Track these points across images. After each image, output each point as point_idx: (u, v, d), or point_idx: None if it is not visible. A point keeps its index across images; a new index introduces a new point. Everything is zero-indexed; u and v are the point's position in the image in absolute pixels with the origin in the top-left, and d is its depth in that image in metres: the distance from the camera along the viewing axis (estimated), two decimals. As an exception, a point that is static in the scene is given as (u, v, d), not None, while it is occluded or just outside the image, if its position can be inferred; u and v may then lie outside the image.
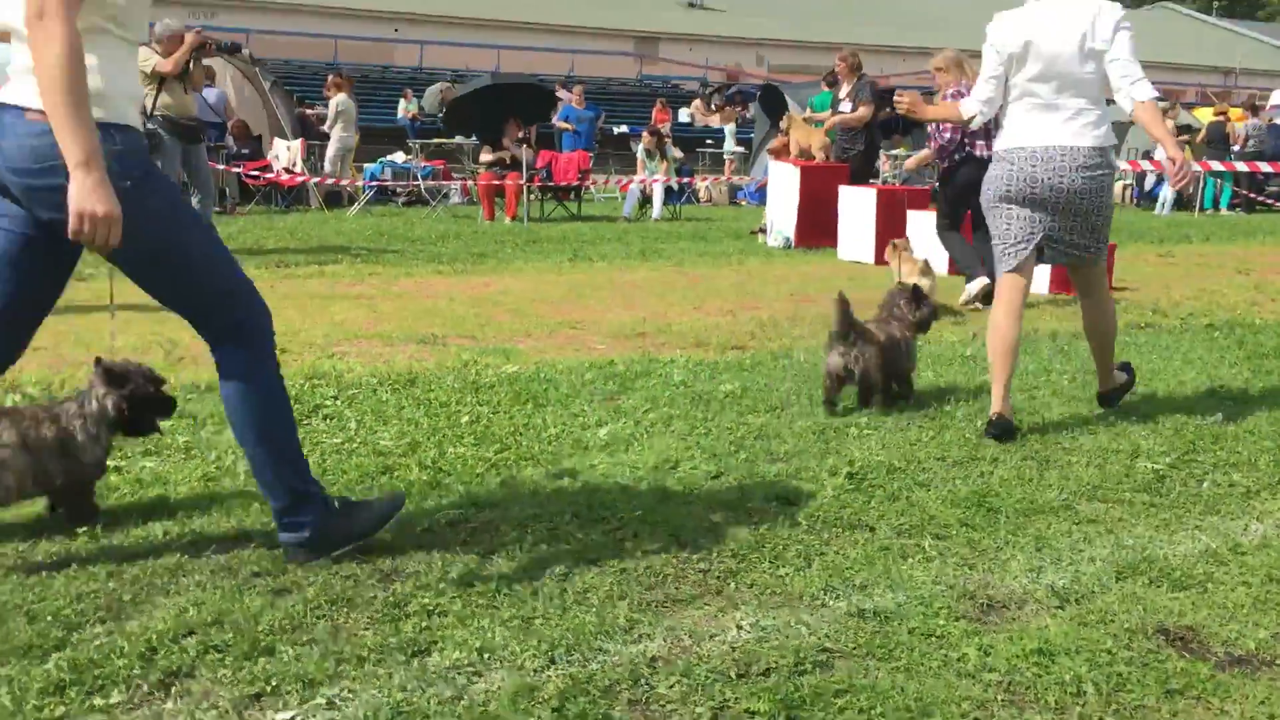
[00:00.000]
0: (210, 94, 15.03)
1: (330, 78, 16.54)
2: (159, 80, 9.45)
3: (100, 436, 3.14)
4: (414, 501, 3.46)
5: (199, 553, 3.02)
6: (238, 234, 11.47)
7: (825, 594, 2.88)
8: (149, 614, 2.63)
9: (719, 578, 2.98)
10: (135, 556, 2.98)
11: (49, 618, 2.59)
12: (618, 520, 3.36)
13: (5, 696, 2.24)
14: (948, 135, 7.74)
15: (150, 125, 9.46)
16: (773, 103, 18.08)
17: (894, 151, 18.17)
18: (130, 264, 2.72)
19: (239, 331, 2.85)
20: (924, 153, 8.64)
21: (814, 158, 11.88)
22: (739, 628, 2.67)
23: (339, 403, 4.70)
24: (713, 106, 27.92)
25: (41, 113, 2.46)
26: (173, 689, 2.32)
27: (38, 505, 3.26)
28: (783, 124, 12.98)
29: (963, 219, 8.01)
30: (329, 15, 33.07)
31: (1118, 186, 18.70)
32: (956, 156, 7.75)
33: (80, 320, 6.35)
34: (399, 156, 17.99)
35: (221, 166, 14.38)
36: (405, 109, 24.92)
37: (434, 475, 3.74)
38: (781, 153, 12.58)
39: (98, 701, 2.25)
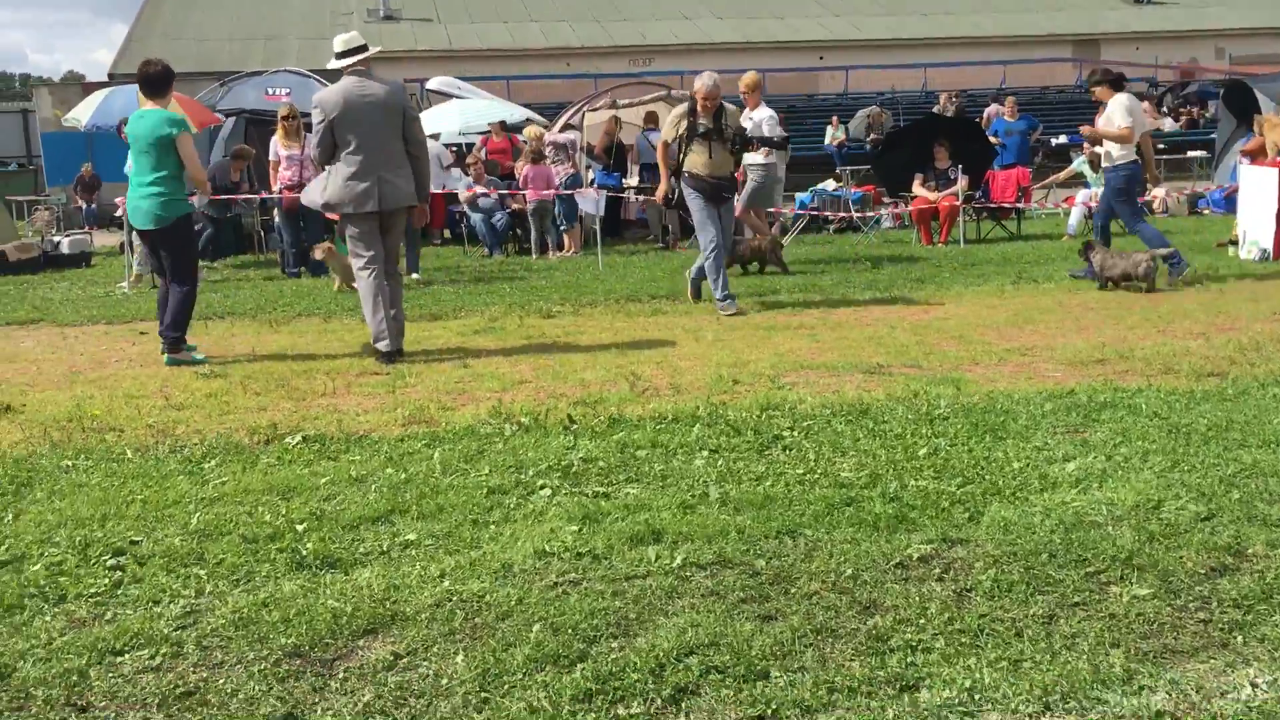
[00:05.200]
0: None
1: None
2: None
3: None
4: (882, 535, 3.51)
5: (687, 577, 3.24)
6: (680, 268, 12.11)
7: (1356, 656, 2.59)
8: (652, 632, 2.87)
9: (1223, 629, 2.77)
10: (632, 578, 3.25)
11: (569, 631, 2.90)
12: (1099, 562, 3.21)
13: (544, 699, 2.53)
14: None
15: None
16: (1239, 100, 16.42)
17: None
18: None
19: None
20: None
21: (1294, 159, 10.68)
22: (1254, 685, 2.48)
23: (796, 434, 4.84)
24: (1164, 109, 25.90)
25: None
26: (682, 704, 2.51)
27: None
28: (1255, 124, 11.79)
29: None
30: (749, 50, 34.22)
31: None
32: None
33: (558, 355, 7.02)
34: (829, 184, 18.21)
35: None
36: (832, 136, 25.25)
37: (899, 509, 3.76)
38: (1257, 155, 11.44)
39: (620, 711, 2.49)
